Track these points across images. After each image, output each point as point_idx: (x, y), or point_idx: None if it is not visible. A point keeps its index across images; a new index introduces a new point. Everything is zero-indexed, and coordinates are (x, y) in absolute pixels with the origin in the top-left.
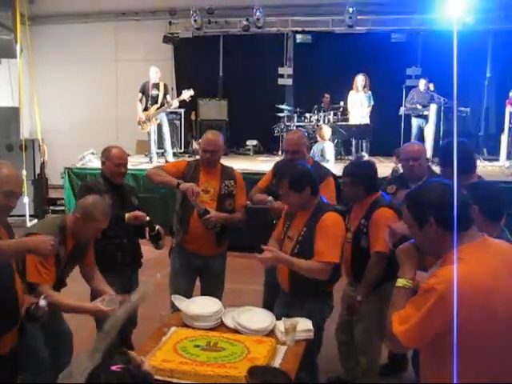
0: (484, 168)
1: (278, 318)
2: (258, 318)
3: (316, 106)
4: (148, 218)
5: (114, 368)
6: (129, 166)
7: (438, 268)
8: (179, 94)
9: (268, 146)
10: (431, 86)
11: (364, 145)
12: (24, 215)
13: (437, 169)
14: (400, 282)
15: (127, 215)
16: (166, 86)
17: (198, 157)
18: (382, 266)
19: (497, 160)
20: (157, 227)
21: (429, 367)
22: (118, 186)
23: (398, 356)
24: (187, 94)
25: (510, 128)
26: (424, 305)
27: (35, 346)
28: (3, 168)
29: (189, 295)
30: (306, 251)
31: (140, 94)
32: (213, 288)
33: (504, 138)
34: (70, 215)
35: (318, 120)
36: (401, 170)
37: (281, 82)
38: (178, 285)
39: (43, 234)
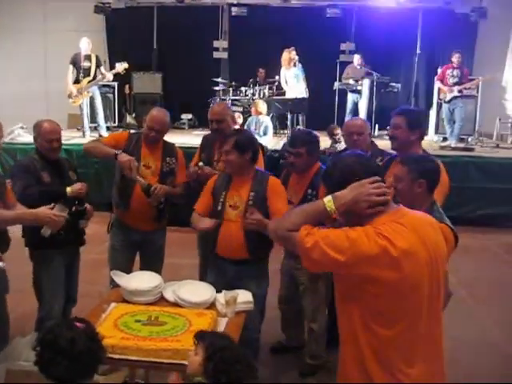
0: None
1: (222, 289)
2: (198, 291)
3: (251, 80)
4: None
5: (77, 324)
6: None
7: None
8: (112, 66)
9: (203, 120)
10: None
11: (300, 119)
12: None
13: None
14: (328, 200)
15: (69, 189)
16: (98, 58)
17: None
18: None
19: (425, 134)
20: (85, 205)
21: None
22: (55, 162)
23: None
24: (121, 67)
25: (438, 103)
26: (352, 229)
27: None
28: None
29: (128, 271)
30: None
31: (70, 66)
32: (152, 263)
33: (432, 113)
34: None
35: (253, 94)
36: (338, 147)
37: (216, 55)
38: (118, 260)
39: None
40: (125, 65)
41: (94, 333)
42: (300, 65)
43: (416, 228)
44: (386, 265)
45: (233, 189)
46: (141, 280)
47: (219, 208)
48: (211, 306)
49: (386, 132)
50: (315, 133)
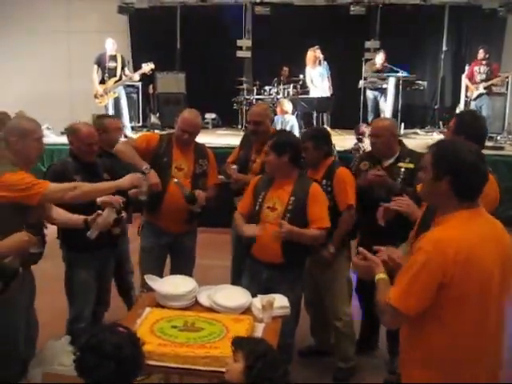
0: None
1: (256, 292)
2: (233, 295)
3: (276, 79)
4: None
5: (120, 329)
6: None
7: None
8: (136, 66)
9: (227, 120)
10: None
11: (325, 118)
12: None
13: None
14: (377, 277)
15: (99, 200)
16: (123, 58)
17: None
18: (353, 218)
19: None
20: (122, 213)
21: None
22: (90, 165)
23: (369, 335)
24: (148, 68)
25: (465, 101)
26: (413, 265)
27: (15, 336)
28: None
29: (159, 273)
30: (296, 219)
31: (95, 66)
32: (183, 265)
33: (459, 111)
34: (5, 152)
35: (277, 93)
36: (363, 147)
37: (239, 54)
38: (149, 263)
39: None
40: (151, 65)
41: (137, 338)
42: (325, 63)
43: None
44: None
45: (273, 190)
46: (175, 284)
47: (257, 208)
48: (247, 310)
49: (411, 131)
50: (326, 129)
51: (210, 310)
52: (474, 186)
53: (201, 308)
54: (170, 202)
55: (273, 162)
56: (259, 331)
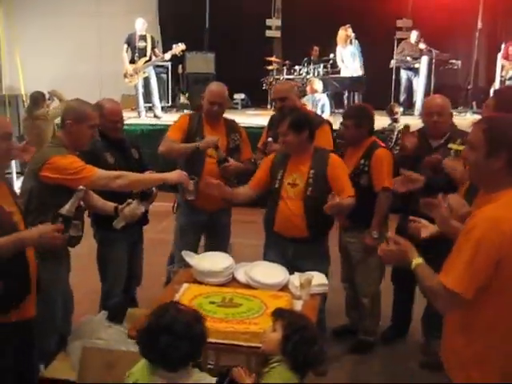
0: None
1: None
2: (271, 272)
3: (306, 59)
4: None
5: (182, 307)
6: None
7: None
8: (165, 47)
9: (256, 100)
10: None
11: (356, 97)
12: (10, 172)
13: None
14: (414, 263)
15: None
16: (153, 38)
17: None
18: (390, 200)
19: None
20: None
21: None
22: (118, 142)
23: (402, 320)
24: (178, 49)
25: (500, 81)
26: (466, 246)
27: (53, 310)
28: (82, 105)
29: (195, 251)
30: (318, 191)
31: (125, 46)
32: (218, 243)
33: (493, 92)
34: (59, 132)
35: (307, 73)
36: (397, 126)
37: (269, 34)
38: (185, 241)
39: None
40: (182, 46)
41: (201, 315)
42: (356, 42)
43: None
44: None
45: (291, 166)
46: (213, 260)
47: (277, 186)
48: (284, 288)
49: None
50: (370, 108)
51: (247, 286)
52: None
53: (238, 284)
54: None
55: (293, 141)
56: (297, 308)
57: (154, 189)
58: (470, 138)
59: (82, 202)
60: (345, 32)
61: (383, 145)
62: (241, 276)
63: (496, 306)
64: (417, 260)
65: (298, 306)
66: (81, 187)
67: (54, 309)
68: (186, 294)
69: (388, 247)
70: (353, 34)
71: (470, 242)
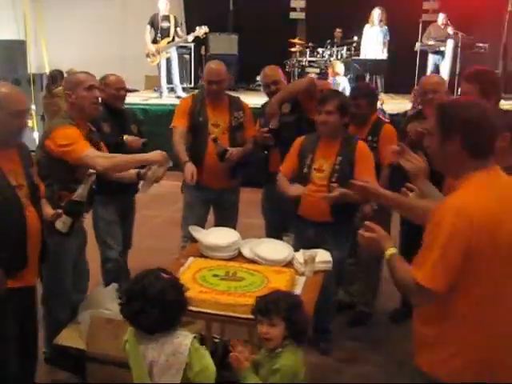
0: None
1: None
2: (276, 249)
3: (329, 41)
4: (144, 141)
5: (163, 275)
6: (138, 101)
7: (448, 196)
8: (189, 28)
9: None
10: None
11: (378, 81)
12: (34, 151)
13: None
14: (387, 253)
15: (126, 137)
16: (176, 19)
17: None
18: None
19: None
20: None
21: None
22: (118, 113)
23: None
24: (202, 31)
25: None
26: (437, 240)
27: (62, 281)
28: (1, 88)
29: (202, 226)
30: (343, 178)
31: (148, 27)
32: (226, 221)
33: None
34: (66, 106)
35: (330, 55)
36: None
37: (293, 15)
38: (192, 217)
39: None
40: (205, 29)
41: (180, 284)
42: (386, 27)
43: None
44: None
45: (320, 151)
46: (219, 236)
47: (305, 170)
48: (288, 264)
49: None
50: (373, 86)
51: (253, 262)
52: (485, 140)
53: (243, 260)
54: (211, 159)
55: (335, 123)
56: (300, 284)
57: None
58: (429, 125)
59: (94, 186)
60: (379, 11)
61: (387, 120)
62: (247, 251)
63: (467, 297)
64: (390, 250)
65: (301, 282)
66: (91, 171)
67: (62, 280)
68: (191, 267)
69: (363, 232)
70: (384, 17)
71: (440, 236)
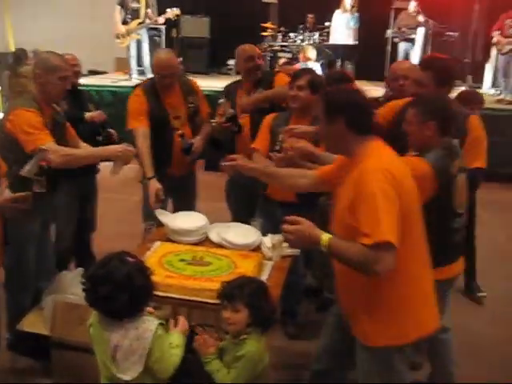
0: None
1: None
2: (244, 233)
3: (301, 26)
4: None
5: (128, 258)
6: (108, 83)
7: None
8: (160, 9)
9: None
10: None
11: (349, 67)
12: None
13: None
14: (324, 239)
15: (87, 114)
16: (146, 0)
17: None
18: None
19: (479, 88)
20: (109, 129)
21: None
22: (75, 92)
23: None
24: (173, 13)
25: (496, 55)
26: (373, 201)
27: (25, 265)
28: (51, 56)
29: None
30: None
31: (118, 7)
32: (186, 206)
33: (489, 66)
34: (32, 86)
35: (302, 40)
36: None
37: None
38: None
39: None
40: (176, 11)
41: (146, 267)
42: (356, 14)
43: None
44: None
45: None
46: (186, 220)
47: (277, 148)
48: (256, 249)
49: None
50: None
51: (220, 246)
52: (365, 118)
53: (211, 244)
54: (177, 154)
55: (305, 99)
56: (268, 269)
57: (111, 130)
58: (406, 116)
59: (44, 163)
60: None
61: None
62: (214, 236)
63: (400, 255)
64: (325, 235)
65: (269, 266)
66: (43, 147)
67: (25, 263)
68: (158, 252)
69: (287, 227)
70: (356, 4)
71: (375, 197)
